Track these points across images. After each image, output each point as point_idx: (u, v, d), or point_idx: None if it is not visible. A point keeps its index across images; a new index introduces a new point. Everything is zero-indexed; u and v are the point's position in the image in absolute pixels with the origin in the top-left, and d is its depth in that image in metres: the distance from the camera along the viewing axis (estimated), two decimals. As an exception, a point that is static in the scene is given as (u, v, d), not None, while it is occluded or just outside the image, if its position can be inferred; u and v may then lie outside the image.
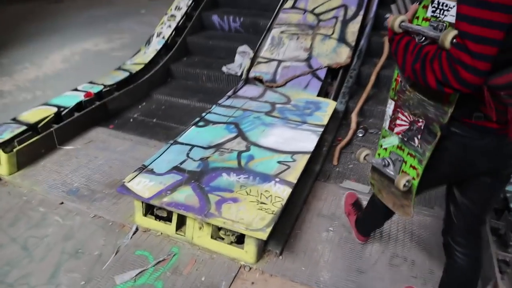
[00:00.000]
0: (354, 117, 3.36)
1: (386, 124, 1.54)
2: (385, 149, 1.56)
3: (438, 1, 1.19)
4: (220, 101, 3.20)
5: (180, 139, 2.60)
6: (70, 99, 3.22)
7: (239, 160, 2.38)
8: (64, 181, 2.59)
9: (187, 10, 4.56)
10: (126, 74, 3.83)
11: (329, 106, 3.14)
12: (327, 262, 2.02)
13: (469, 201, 1.43)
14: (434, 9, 1.20)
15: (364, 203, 2.27)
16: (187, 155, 2.43)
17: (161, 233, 2.17)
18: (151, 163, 2.34)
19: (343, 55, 3.64)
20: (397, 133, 1.48)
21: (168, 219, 2.15)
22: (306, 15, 4.06)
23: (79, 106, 3.21)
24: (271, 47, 3.85)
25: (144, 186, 2.14)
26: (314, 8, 4.02)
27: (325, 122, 2.88)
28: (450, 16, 1.15)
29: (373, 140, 3.20)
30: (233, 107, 3.10)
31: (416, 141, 1.39)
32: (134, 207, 2.20)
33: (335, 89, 3.50)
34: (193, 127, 2.78)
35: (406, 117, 1.42)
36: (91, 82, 3.57)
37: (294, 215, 2.27)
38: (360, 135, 3.23)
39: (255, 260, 1.98)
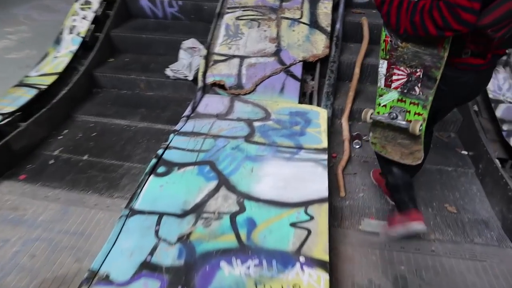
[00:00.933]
0: (344, 124, 2.75)
1: (382, 83, 1.65)
2: (384, 106, 1.67)
3: None
4: (178, 127, 2.34)
5: (138, 205, 1.76)
6: None
7: (236, 231, 1.64)
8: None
9: (104, -7, 3.47)
10: (33, 92, 2.76)
11: (320, 116, 2.48)
12: None
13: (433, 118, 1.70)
14: None
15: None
16: (156, 234, 1.62)
17: None
18: (102, 265, 1.49)
19: (319, 44, 2.96)
20: (395, 88, 1.61)
21: None
22: (264, -6, 3.26)
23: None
24: (227, 39, 3.02)
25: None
26: (273, -15, 3.24)
27: (325, 143, 2.22)
28: None
29: (371, 149, 2.65)
30: (198, 133, 2.28)
31: (417, 89, 1.55)
32: None
33: (314, 88, 2.83)
34: (151, 177, 1.94)
35: (403, 71, 1.56)
36: (-23, 113, 2.48)
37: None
38: (357, 146, 2.65)
39: None
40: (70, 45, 3.18)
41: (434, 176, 2.47)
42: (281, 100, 2.67)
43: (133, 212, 1.73)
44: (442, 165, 2.55)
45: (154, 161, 2.04)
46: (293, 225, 1.67)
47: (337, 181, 2.32)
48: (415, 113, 1.59)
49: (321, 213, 1.74)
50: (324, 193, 1.85)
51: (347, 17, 3.29)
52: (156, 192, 1.85)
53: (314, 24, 3.05)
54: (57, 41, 3.23)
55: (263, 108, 2.55)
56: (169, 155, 2.10)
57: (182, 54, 3.12)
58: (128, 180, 2.32)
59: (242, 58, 2.90)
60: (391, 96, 1.63)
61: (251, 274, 1.46)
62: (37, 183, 2.29)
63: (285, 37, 2.99)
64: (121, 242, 1.59)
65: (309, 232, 1.64)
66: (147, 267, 1.48)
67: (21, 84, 2.85)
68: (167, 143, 2.19)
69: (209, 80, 2.78)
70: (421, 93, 1.54)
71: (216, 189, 1.86)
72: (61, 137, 2.71)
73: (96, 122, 2.86)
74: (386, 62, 1.60)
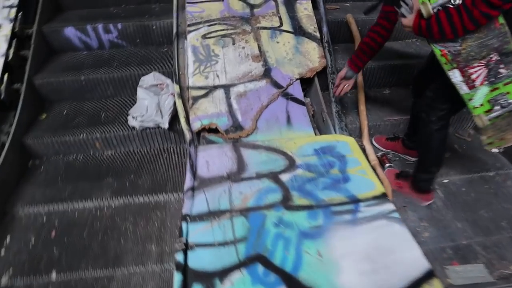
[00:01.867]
0: (367, 146, 2.34)
1: (465, 89, 1.66)
2: (481, 104, 1.66)
3: None
4: (186, 209, 1.68)
5: None
6: None
7: None
8: None
9: (13, 28, 2.54)
10: None
11: (351, 149, 2.00)
12: None
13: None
14: None
15: None
16: None
17: None
18: None
19: (313, 55, 2.47)
20: (481, 84, 1.62)
21: None
22: (228, 2, 2.65)
23: None
24: (199, 65, 2.38)
25: None
26: (235, -11, 2.65)
27: (379, 186, 1.76)
28: None
29: (403, 161, 2.32)
30: (219, 212, 1.66)
31: (503, 70, 1.57)
32: None
33: (323, 110, 2.34)
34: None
35: (478, 65, 1.59)
36: None
37: None
38: (389, 166, 2.25)
39: None
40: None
41: (481, 187, 2.18)
42: (294, 135, 2.14)
43: None
44: (483, 171, 2.28)
45: (179, 277, 1.40)
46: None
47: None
48: None
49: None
50: (424, 263, 1.41)
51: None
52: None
53: (299, 30, 2.53)
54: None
55: (280, 152, 1.99)
56: (197, 260, 1.46)
57: (141, 93, 2.39)
58: (133, 300, 1.64)
59: (226, 87, 2.29)
60: (482, 92, 1.64)
61: None
62: None
63: (270, 52, 2.44)
64: None
65: None
66: None
67: None
68: (184, 238, 1.54)
69: (196, 126, 2.13)
70: (508, 70, 1.56)
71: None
72: (4, 251, 1.87)
73: (48, 213, 2.04)
74: (456, 70, 1.64)
